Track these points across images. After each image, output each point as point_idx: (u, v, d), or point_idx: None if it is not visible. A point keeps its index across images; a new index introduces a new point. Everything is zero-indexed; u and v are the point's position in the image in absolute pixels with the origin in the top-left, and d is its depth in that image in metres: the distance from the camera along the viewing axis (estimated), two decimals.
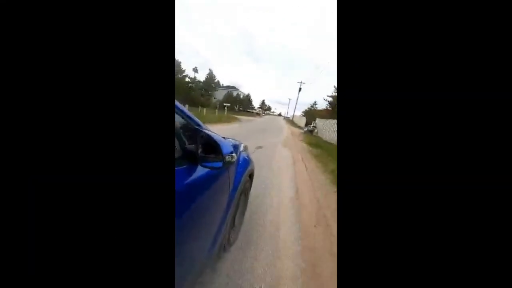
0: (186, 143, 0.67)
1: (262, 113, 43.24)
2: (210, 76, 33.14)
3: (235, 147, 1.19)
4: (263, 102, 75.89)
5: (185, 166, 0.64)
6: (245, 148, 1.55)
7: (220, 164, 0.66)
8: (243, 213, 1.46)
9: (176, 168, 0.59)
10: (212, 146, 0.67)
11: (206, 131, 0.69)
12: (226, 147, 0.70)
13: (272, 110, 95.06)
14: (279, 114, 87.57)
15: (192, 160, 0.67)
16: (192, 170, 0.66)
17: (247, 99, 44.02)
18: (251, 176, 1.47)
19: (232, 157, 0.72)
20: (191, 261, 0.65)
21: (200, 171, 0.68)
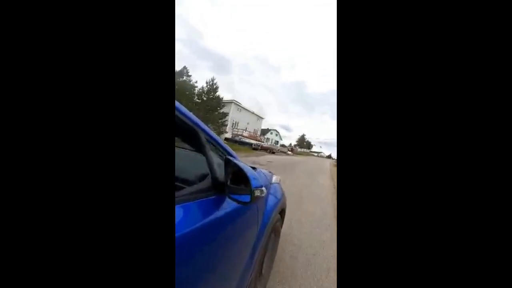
0: (217, 172, 0.64)
1: (289, 150, 27.19)
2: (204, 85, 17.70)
3: (267, 180, 1.12)
4: (302, 136, 64.04)
5: (213, 197, 0.60)
6: (278, 180, 1.45)
7: (248, 198, 0.60)
8: (272, 258, 1.26)
9: (204, 199, 0.56)
10: (241, 178, 0.62)
11: (236, 161, 0.66)
12: (256, 180, 0.64)
13: (314, 149, 72.74)
14: (329, 156, 68.51)
15: (221, 191, 0.63)
16: (220, 202, 0.61)
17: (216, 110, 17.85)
18: (282, 213, 1.32)
19: (262, 191, 0.65)
20: None
21: (227, 204, 0.63)
